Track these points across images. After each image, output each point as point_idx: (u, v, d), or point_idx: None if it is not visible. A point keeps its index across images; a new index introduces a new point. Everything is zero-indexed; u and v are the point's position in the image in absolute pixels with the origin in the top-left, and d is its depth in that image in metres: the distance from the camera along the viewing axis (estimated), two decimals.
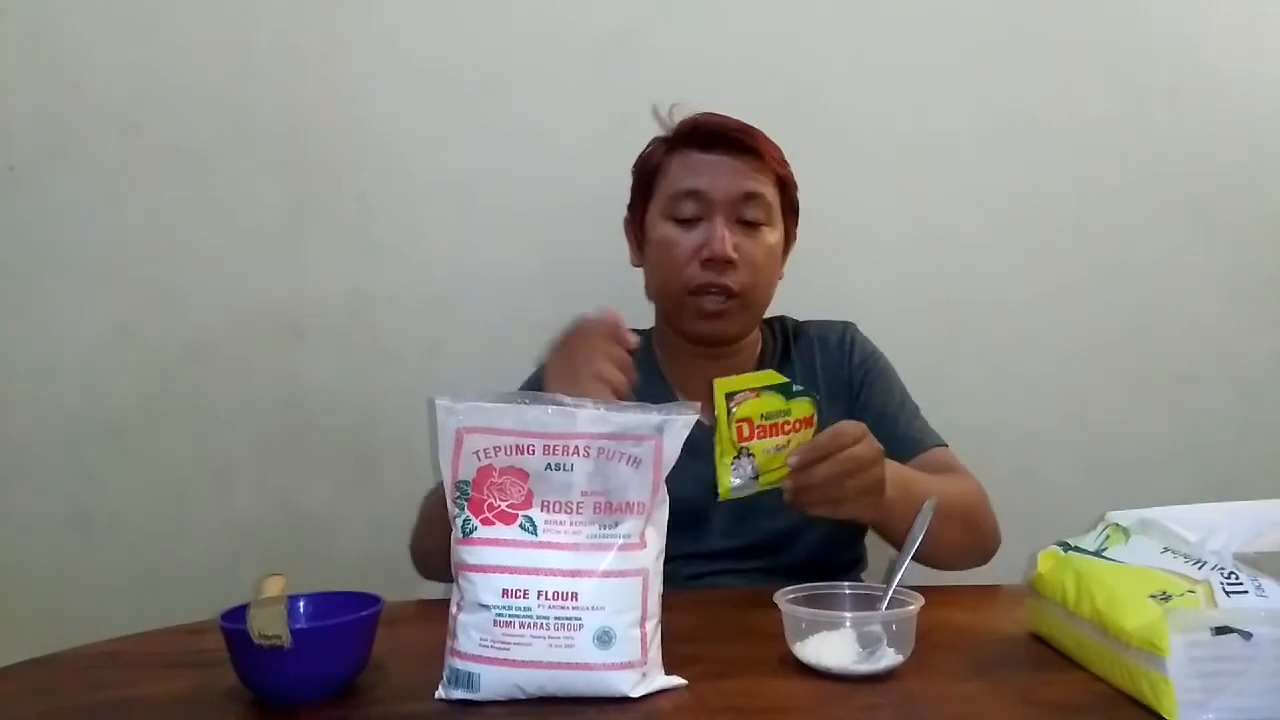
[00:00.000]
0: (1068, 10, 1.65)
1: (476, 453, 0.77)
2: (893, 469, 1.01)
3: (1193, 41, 1.67)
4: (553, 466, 0.77)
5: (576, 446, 0.77)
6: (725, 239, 1.16)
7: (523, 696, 0.75)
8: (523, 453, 0.77)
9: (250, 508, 1.54)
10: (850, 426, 0.94)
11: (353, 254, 1.56)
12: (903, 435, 1.20)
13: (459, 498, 0.78)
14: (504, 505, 0.77)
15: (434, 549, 1.09)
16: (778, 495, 1.17)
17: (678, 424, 0.78)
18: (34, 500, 1.50)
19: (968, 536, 1.11)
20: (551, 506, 0.77)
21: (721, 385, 0.93)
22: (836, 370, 1.26)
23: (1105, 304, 1.67)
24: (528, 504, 0.77)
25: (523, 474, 0.77)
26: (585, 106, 1.58)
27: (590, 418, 0.77)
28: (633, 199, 1.29)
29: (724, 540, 1.18)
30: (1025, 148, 1.65)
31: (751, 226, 1.19)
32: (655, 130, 1.55)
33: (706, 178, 1.18)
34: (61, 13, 1.50)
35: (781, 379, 0.96)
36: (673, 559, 1.13)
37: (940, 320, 1.62)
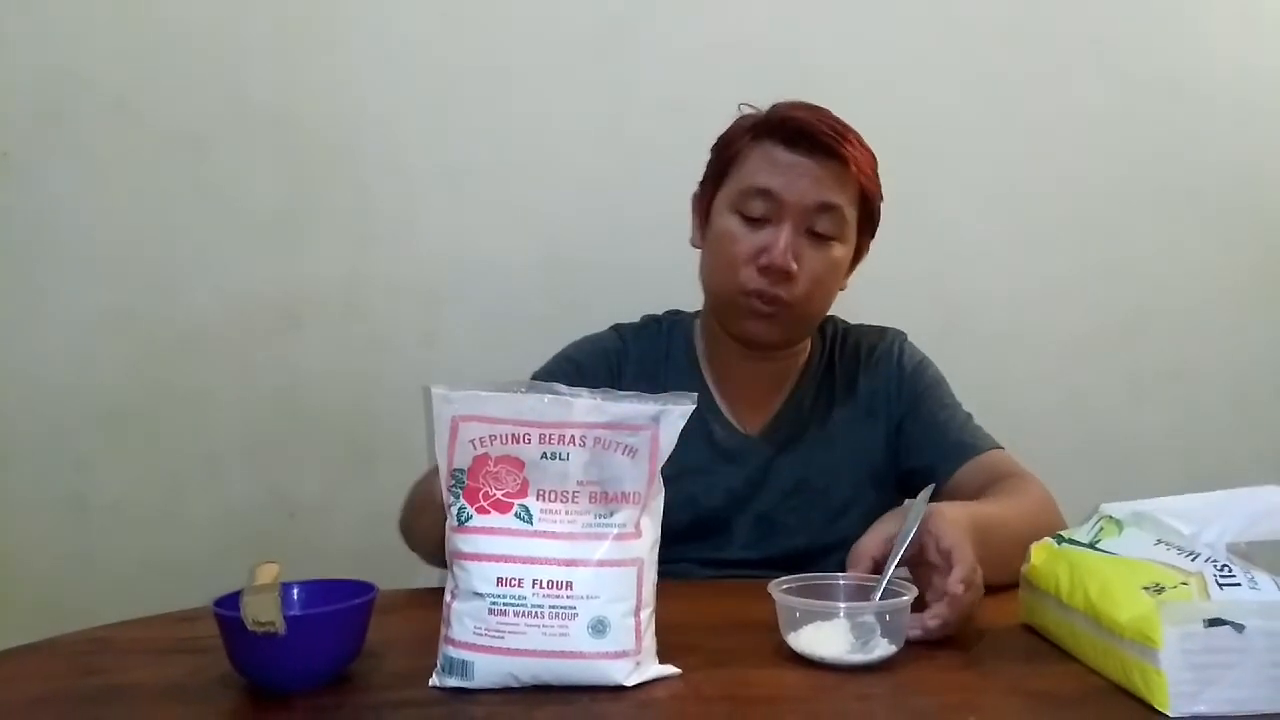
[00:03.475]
0: (1066, 3, 1.65)
1: (472, 441, 0.77)
2: (977, 522, 0.93)
3: (1191, 35, 1.67)
4: (548, 455, 0.77)
5: (572, 436, 0.77)
6: (787, 251, 1.09)
7: (517, 685, 0.75)
8: (518, 441, 0.77)
9: (244, 495, 1.54)
10: (970, 556, 0.86)
11: (349, 243, 1.56)
12: (955, 442, 1.17)
13: (454, 486, 0.78)
14: (499, 494, 0.77)
15: (424, 532, 1.07)
16: (800, 512, 1.17)
17: (674, 414, 0.78)
18: (27, 487, 1.50)
19: None
20: (547, 495, 0.77)
21: None
22: (882, 384, 1.22)
23: (1100, 299, 1.67)
24: (523, 493, 0.77)
25: (518, 463, 0.77)
26: (584, 96, 1.58)
27: (586, 407, 0.77)
28: (705, 177, 1.20)
29: (744, 552, 1.16)
30: (1022, 141, 1.65)
31: (820, 239, 1.12)
32: (654, 120, 1.56)
33: (783, 179, 1.10)
34: None
35: None
36: (688, 561, 1.13)
37: (934, 314, 1.61)
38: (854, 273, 1.24)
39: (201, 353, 1.53)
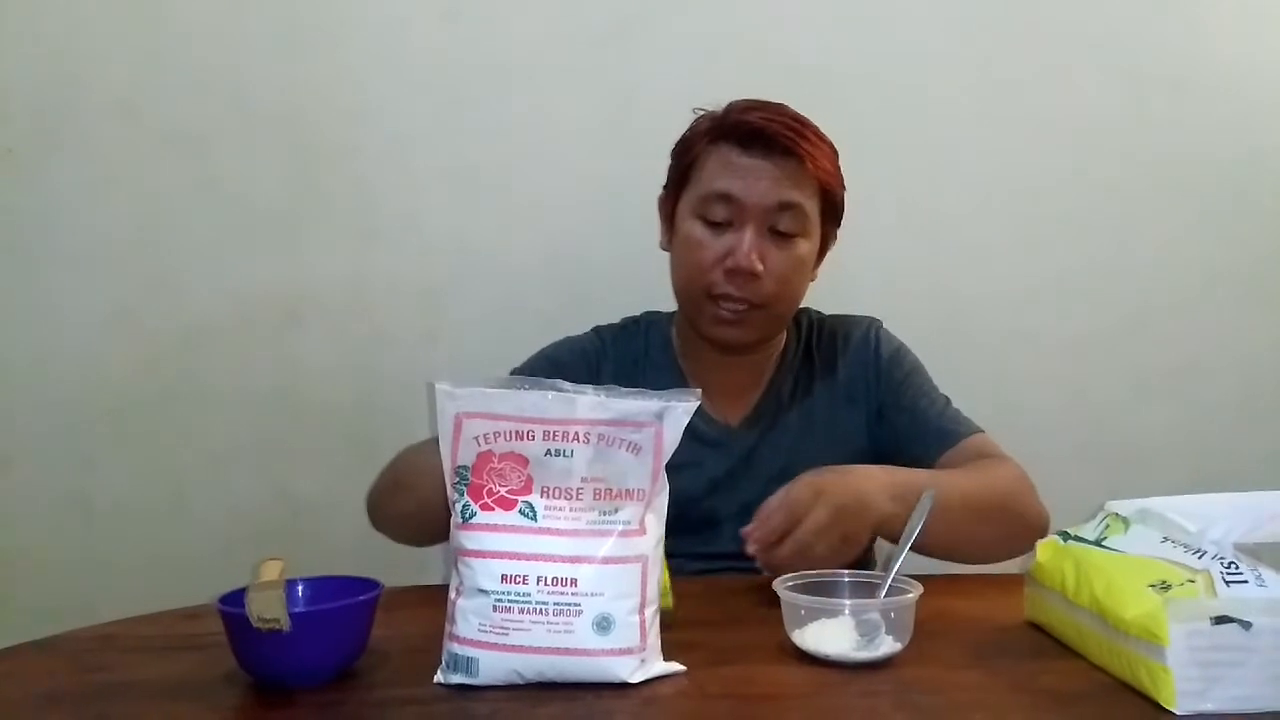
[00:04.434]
0: (1069, 1, 1.65)
1: (476, 438, 0.77)
2: (898, 480, 1.00)
3: (1194, 33, 1.67)
4: (552, 452, 0.77)
5: (576, 432, 0.77)
6: (751, 252, 1.11)
7: (521, 682, 0.75)
8: (522, 438, 0.77)
9: (248, 493, 1.54)
10: (799, 496, 0.93)
11: (351, 240, 1.56)
12: (936, 429, 1.18)
13: (458, 483, 0.78)
14: (503, 491, 0.77)
15: (403, 512, 1.09)
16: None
17: (678, 410, 0.78)
18: (31, 485, 1.50)
19: (1001, 528, 1.07)
20: (551, 492, 0.77)
21: None
22: (859, 370, 1.24)
23: (1105, 296, 1.67)
24: (527, 490, 0.77)
25: (522, 459, 0.77)
26: (586, 93, 1.58)
27: (590, 404, 0.77)
28: (667, 181, 1.22)
29: (733, 544, 1.16)
30: (1024, 139, 1.65)
31: (784, 237, 1.14)
32: (656, 117, 1.54)
33: (742, 182, 1.12)
34: None
35: None
36: (678, 557, 1.13)
37: (939, 312, 1.62)
38: (823, 263, 1.24)
39: (205, 351, 1.53)
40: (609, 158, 1.58)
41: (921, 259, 1.63)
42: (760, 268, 1.12)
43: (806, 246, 1.16)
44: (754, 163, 1.12)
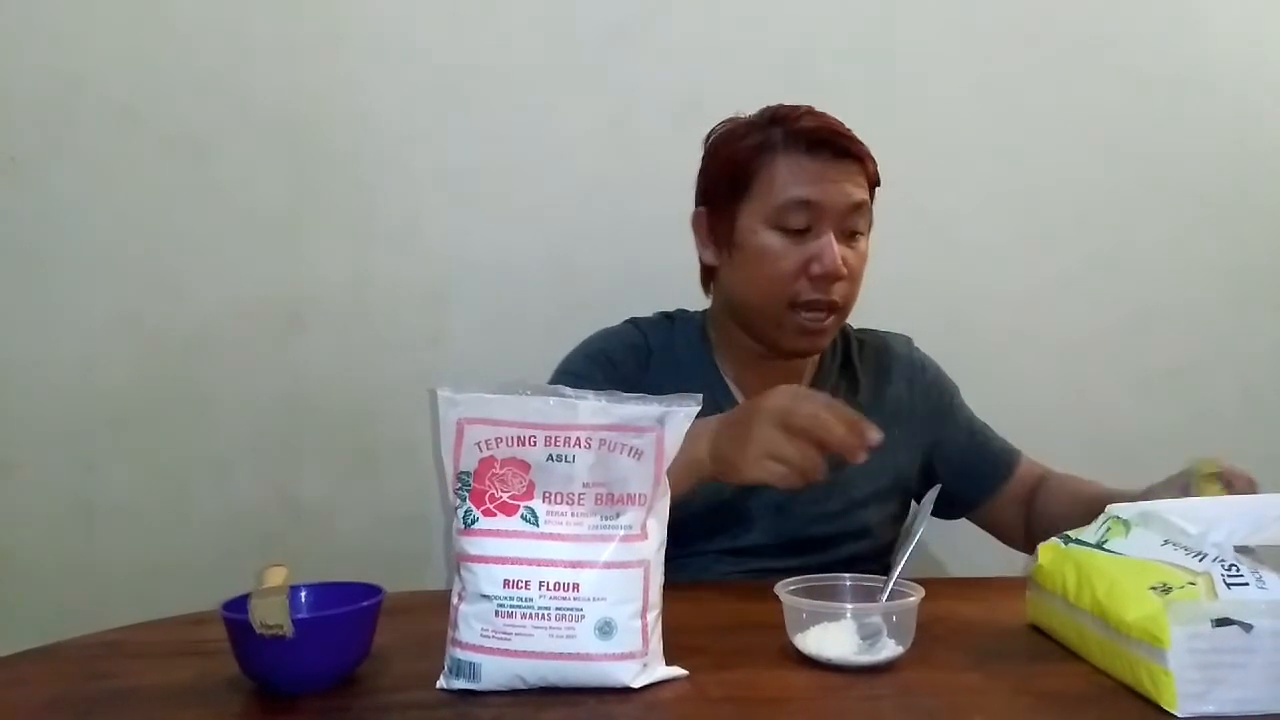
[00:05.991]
0: (1069, 1, 1.65)
1: (478, 444, 0.77)
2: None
3: (1194, 32, 1.67)
4: (554, 458, 0.77)
5: (578, 438, 0.77)
6: (837, 255, 1.12)
7: (524, 687, 0.75)
8: (524, 444, 0.77)
9: (250, 498, 1.54)
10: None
11: (353, 244, 1.56)
12: (998, 450, 1.27)
13: (460, 489, 0.78)
14: (505, 496, 0.77)
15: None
16: (818, 503, 1.17)
17: (679, 415, 0.78)
18: (34, 490, 1.50)
19: None
20: (553, 498, 0.77)
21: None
22: (906, 391, 1.27)
23: (1105, 296, 1.67)
24: (529, 495, 0.77)
25: (524, 465, 0.77)
26: (588, 95, 1.58)
27: (592, 409, 0.77)
28: (715, 192, 1.21)
29: (761, 537, 1.17)
30: (1026, 138, 1.64)
31: (854, 236, 1.16)
32: (657, 119, 1.55)
33: (819, 188, 1.13)
34: (60, 2, 1.50)
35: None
36: (706, 554, 1.14)
37: (939, 312, 1.61)
38: None
39: (207, 355, 1.53)
40: (610, 160, 1.58)
41: (921, 258, 1.63)
42: (845, 271, 1.14)
43: (866, 243, 1.19)
44: (825, 167, 1.14)
